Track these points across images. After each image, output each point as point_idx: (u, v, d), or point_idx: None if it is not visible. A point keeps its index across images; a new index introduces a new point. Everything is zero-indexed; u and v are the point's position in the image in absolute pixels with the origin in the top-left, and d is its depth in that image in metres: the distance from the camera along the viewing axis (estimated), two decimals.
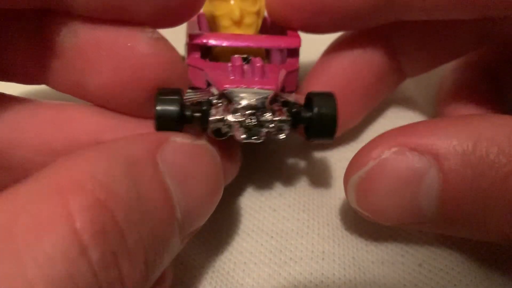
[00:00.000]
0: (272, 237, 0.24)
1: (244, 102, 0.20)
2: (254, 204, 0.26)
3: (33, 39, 0.20)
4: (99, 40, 0.19)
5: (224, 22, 0.24)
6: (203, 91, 0.22)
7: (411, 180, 0.18)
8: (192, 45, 0.23)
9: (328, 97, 0.21)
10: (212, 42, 0.23)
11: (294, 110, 0.21)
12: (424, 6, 0.22)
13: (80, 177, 0.14)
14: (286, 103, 0.22)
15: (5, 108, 0.20)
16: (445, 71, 0.29)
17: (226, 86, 0.21)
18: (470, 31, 0.26)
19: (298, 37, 0.24)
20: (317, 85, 0.25)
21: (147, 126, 0.20)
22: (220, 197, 0.20)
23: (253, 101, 0.20)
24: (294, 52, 0.24)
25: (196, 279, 0.23)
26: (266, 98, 0.20)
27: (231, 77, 0.22)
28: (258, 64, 0.22)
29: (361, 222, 0.24)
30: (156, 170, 0.17)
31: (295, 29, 0.25)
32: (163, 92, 0.20)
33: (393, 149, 0.18)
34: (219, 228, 0.25)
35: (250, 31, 0.25)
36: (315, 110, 0.21)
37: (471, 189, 0.17)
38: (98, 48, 0.19)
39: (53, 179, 0.14)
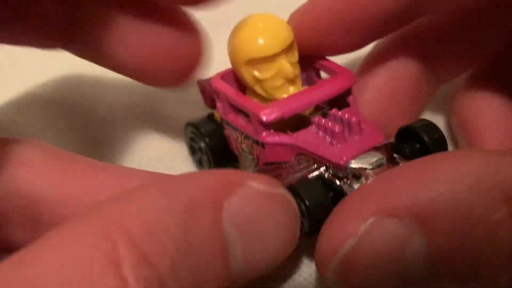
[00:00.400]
0: None
1: (371, 167, 0.20)
2: None
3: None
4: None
5: (276, 83, 0.22)
6: (299, 168, 0.21)
7: (395, 250, 0.16)
8: (265, 123, 0.21)
9: (429, 124, 0.21)
10: (292, 111, 0.21)
11: (403, 150, 0.21)
12: None
13: (130, 223, 0.14)
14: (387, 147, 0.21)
15: (39, 159, 0.19)
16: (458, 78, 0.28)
17: (348, 160, 0.20)
18: (497, 30, 0.26)
19: (348, 71, 0.22)
20: (359, 105, 0.24)
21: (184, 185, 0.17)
22: (290, 252, 0.18)
23: (377, 163, 0.20)
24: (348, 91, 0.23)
25: None
26: (384, 155, 0.20)
27: (337, 145, 0.20)
28: (353, 120, 0.20)
29: None
30: (216, 218, 0.15)
31: (326, 55, 0.24)
32: (301, 186, 0.19)
33: (370, 221, 0.16)
34: None
35: (299, 83, 0.23)
36: (427, 139, 0.20)
37: (460, 246, 0.16)
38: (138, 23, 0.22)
39: (100, 222, 0.14)
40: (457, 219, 0.16)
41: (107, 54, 0.22)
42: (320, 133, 0.21)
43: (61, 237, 0.13)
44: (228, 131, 0.23)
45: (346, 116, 0.21)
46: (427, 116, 0.30)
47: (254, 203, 0.16)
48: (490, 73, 0.27)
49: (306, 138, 0.21)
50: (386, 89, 0.25)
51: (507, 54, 0.26)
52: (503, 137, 0.24)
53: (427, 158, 0.18)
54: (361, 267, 0.17)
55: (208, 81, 0.23)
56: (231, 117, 0.22)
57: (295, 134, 0.21)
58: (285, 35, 0.21)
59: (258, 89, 0.22)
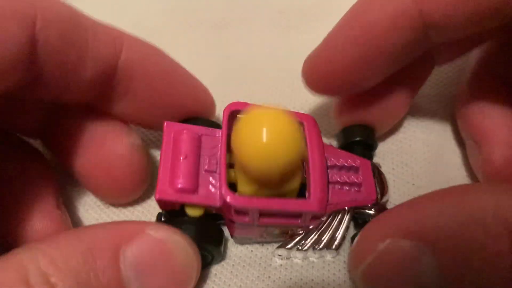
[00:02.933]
0: (262, 245, 0.24)
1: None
2: None
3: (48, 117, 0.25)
4: (95, 132, 0.24)
5: None
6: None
7: (409, 266, 0.19)
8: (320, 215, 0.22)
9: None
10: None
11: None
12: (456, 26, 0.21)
13: (41, 258, 0.17)
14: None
15: None
16: (462, 80, 0.28)
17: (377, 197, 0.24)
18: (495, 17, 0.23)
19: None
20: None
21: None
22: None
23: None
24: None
25: None
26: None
27: (361, 189, 0.24)
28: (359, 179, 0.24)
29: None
30: (113, 262, 0.18)
31: (342, 94, 0.26)
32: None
33: (387, 241, 0.19)
34: None
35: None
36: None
37: (465, 268, 0.17)
38: (91, 137, 0.24)
39: (17, 264, 0.17)
40: (461, 245, 0.17)
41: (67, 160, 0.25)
42: (344, 188, 0.23)
43: None
44: (243, 229, 0.22)
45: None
46: (432, 116, 0.29)
47: (150, 250, 0.19)
48: (492, 73, 0.26)
49: (339, 199, 0.23)
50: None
51: (507, 52, 0.26)
52: (508, 137, 0.24)
53: (442, 191, 0.19)
54: (381, 277, 0.20)
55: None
56: (264, 221, 0.21)
57: (330, 202, 0.23)
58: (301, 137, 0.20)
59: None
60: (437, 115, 0.29)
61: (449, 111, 0.29)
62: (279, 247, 0.23)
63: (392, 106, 0.26)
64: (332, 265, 0.23)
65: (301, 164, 0.22)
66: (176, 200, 0.21)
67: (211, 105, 0.26)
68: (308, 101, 0.30)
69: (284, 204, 0.21)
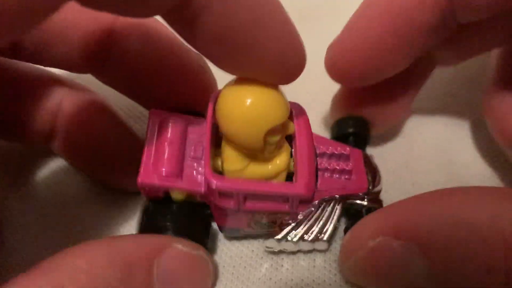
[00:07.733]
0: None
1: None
2: None
3: None
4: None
5: (279, 144, 0.21)
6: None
7: (398, 265, 0.18)
8: (307, 197, 0.21)
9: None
10: None
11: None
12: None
13: (80, 276, 0.16)
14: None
15: None
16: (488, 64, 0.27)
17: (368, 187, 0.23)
18: (500, 25, 0.24)
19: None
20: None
21: None
22: None
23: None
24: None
25: None
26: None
27: (352, 178, 0.23)
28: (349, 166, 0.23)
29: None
30: (148, 274, 0.18)
31: (366, 82, 0.25)
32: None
33: (378, 239, 0.19)
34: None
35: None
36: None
37: (458, 272, 0.17)
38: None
39: (56, 276, 0.16)
40: (453, 250, 0.17)
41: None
42: (334, 176, 0.23)
43: None
44: (229, 218, 0.22)
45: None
46: (434, 116, 0.29)
47: (179, 262, 0.20)
48: None
49: (328, 186, 0.23)
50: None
51: None
52: None
53: (439, 192, 0.19)
54: (369, 273, 0.20)
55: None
56: (250, 205, 0.21)
57: (319, 189, 0.23)
58: (286, 102, 0.20)
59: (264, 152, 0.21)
60: (437, 114, 0.29)
61: (449, 110, 0.29)
62: (268, 238, 0.22)
63: (390, 103, 0.26)
64: (333, 265, 0.23)
65: (288, 146, 0.22)
66: (159, 185, 0.21)
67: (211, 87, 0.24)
68: (311, 105, 0.30)
69: (270, 186, 0.21)
